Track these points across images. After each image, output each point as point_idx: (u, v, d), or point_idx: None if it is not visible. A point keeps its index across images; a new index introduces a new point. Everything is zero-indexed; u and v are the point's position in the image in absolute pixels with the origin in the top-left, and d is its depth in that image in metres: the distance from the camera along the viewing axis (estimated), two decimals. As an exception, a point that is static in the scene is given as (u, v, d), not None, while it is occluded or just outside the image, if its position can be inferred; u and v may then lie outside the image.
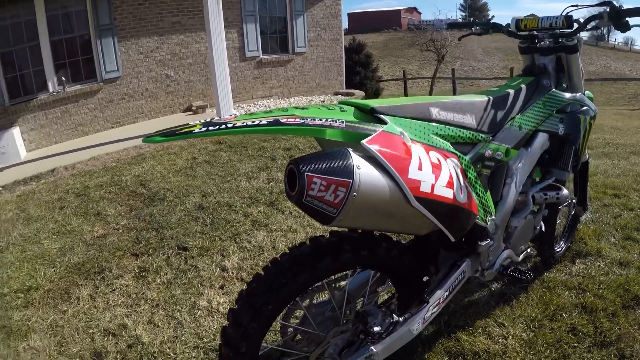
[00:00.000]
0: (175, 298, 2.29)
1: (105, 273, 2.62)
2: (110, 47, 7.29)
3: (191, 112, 8.06)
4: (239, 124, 0.90)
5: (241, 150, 5.08)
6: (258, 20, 8.93)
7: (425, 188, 1.07)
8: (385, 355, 1.28)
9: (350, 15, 49.89)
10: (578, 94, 1.79)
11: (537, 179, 1.79)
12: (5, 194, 4.80)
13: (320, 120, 0.98)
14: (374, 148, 1.00)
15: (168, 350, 1.89)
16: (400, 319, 1.29)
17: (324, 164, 0.93)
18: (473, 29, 1.92)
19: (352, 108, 1.13)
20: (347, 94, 9.65)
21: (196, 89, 8.45)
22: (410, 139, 1.11)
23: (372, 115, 1.12)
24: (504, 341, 1.73)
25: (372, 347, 1.24)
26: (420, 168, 1.06)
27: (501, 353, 1.66)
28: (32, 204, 4.24)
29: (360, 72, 13.83)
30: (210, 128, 0.87)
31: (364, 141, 1.01)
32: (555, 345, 1.68)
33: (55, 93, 7.08)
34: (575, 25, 1.60)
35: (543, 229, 1.86)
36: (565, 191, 1.77)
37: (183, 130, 0.87)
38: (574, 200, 2.14)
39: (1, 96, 6.79)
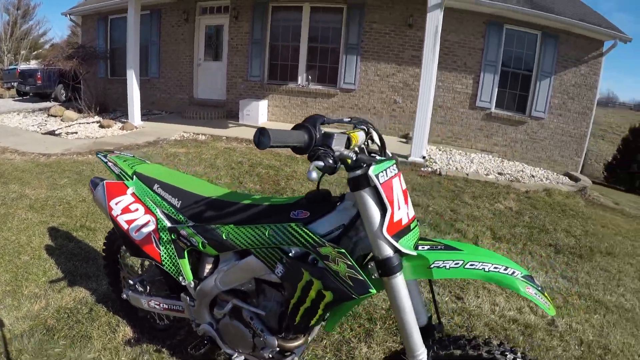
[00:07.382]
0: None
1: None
2: (353, 64, 8.56)
3: (405, 141, 8.41)
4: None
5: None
6: (498, 72, 8.58)
7: (113, 212, 1.77)
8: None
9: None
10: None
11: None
12: (222, 144, 6.65)
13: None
14: (105, 184, 1.84)
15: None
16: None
17: None
18: None
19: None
20: (576, 179, 7.90)
21: (416, 120, 8.85)
22: (132, 192, 1.80)
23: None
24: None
25: None
26: (117, 204, 1.77)
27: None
28: (226, 156, 5.88)
29: (642, 162, 11.25)
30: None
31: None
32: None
33: (301, 86, 8.92)
34: None
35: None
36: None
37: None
38: None
39: (263, 75, 9.06)
